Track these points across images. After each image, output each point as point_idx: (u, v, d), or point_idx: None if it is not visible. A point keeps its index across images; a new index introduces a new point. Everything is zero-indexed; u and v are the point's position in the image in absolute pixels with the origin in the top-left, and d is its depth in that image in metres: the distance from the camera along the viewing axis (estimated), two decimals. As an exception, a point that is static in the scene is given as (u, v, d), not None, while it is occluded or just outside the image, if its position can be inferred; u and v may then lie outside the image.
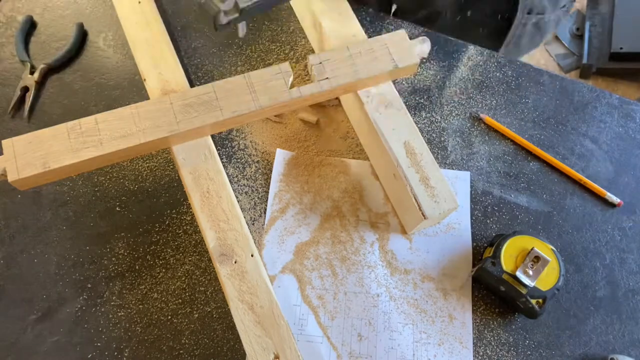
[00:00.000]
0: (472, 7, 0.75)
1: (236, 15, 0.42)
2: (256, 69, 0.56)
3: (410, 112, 0.54)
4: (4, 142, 0.46)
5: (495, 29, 0.77)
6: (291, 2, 0.65)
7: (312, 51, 0.67)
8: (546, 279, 0.50)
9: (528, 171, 0.61)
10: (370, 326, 0.53)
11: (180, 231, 0.56)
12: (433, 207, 0.50)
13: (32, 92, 0.62)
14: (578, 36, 1.82)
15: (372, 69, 0.53)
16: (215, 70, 0.66)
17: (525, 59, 0.89)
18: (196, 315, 0.53)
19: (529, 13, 0.73)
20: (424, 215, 0.50)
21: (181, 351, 0.51)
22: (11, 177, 0.45)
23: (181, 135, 0.50)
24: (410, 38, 0.55)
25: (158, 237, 0.56)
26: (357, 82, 0.53)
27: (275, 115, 0.63)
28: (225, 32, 0.39)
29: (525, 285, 0.49)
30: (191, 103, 0.50)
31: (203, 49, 0.67)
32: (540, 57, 1.84)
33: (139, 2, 0.60)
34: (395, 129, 0.53)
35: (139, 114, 0.49)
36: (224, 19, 0.42)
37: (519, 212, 0.59)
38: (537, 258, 0.51)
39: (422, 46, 0.52)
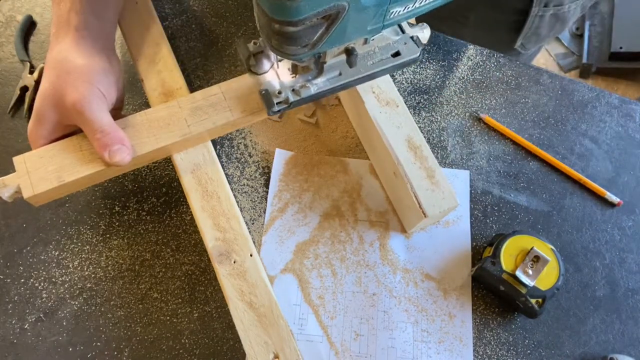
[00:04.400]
0: (489, 4, 0.74)
1: (285, 106, 0.48)
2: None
3: (410, 112, 0.54)
4: (15, 159, 0.46)
5: (512, 23, 0.76)
6: None
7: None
8: (546, 278, 0.50)
9: (528, 171, 0.61)
10: (370, 325, 0.53)
11: (180, 231, 0.56)
12: (433, 205, 0.50)
13: (31, 91, 0.62)
14: (578, 36, 1.82)
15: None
16: (215, 69, 0.66)
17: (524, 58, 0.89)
18: (196, 315, 0.53)
19: (545, 6, 0.72)
20: (424, 214, 0.50)
21: (181, 351, 0.51)
22: (26, 194, 0.45)
23: (192, 140, 0.51)
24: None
25: (158, 237, 0.56)
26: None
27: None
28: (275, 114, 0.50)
29: (524, 285, 0.49)
30: (200, 105, 0.50)
31: (203, 48, 0.67)
32: (540, 56, 1.84)
33: (136, 3, 0.60)
34: (396, 127, 0.53)
35: (150, 120, 0.49)
36: (275, 108, 0.48)
37: (518, 211, 0.59)
38: (537, 258, 0.51)
39: (423, 33, 0.53)
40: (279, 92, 0.48)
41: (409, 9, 0.41)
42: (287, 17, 0.35)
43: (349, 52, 0.46)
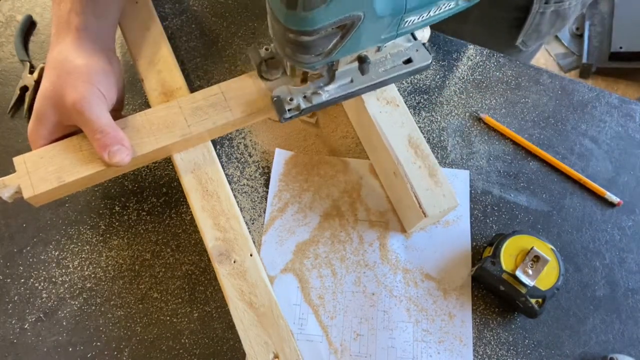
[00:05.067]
0: (489, 1, 0.74)
1: (297, 113, 0.49)
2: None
3: (410, 112, 0.54)
4: (15, 159, 0.46)
5: (513, 20, 0.76)
6: None
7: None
8: (546, 278, 0.50)
9: (528, 171, 0.61)
10: (370, 325, 0.53)
11: (180, 231, 0.56)
12: (433, 205, 0.50)
13: (31, 91, 0.62)
14: (578, 35, 1.82)
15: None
16: (215, 69, 0.66)
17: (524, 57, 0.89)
18: (196, 315, 0.53)
19: (546, 2, 0.72)
20: (424, 213, 0.50)
21: (181, 351, 0.51)
22: (27, 194, 0.45)
23: (192, 140, 0.51)
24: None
25: (158, 237, 0.56)
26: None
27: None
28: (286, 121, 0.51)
29: (524, 285, 0.49)
30: (200, 105, 0.50)
31: (203, 48, 0.67)
32: (540, 56, 1.84)
33: (136, 3, 0.60)
34: (396, 127, 0.53)
35: (150, 120, 0.49)
36: (287, 114, 0.48)
37: (518, 211, 0.59)
38: (537, 257, 0.51)
39: (423, 32, 0.53)
40: (291, 99, 0.48)
41: (424, 18, 0.41)
42: (303, 27, 0.35)
43: (362, 60, 0.46)
